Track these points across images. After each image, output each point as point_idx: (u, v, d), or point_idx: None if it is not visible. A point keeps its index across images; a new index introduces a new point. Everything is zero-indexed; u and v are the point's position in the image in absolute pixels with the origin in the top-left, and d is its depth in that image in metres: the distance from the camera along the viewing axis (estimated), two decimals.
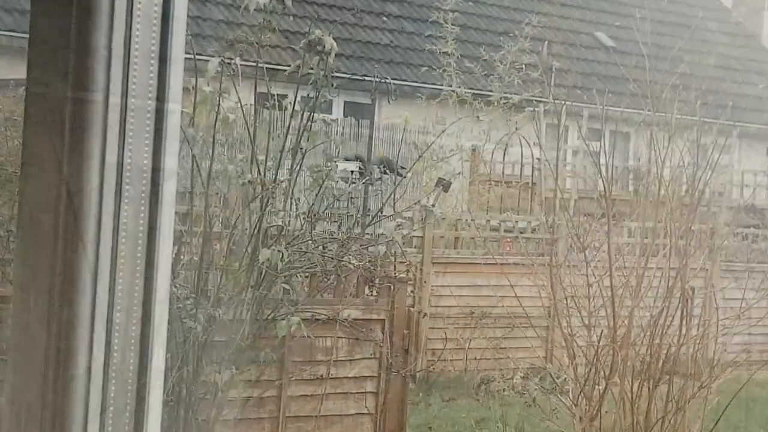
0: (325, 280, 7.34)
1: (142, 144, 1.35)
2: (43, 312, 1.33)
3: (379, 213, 7.73)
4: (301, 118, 6.89)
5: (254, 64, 7.05)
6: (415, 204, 8.82)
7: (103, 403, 1.33)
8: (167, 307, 1.41)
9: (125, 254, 1.35)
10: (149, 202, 1.36)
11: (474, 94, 17.25)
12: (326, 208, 7.40)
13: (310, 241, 7.10)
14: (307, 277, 7.58)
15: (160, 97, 1.36)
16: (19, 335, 1.35)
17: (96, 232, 1.33)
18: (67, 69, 1.31)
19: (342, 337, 7.63)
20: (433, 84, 18.64)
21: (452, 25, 18.12)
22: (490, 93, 17.43)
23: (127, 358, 1.35)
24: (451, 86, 17.49)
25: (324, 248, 7.26)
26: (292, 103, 6.95)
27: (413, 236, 11.14)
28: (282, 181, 6.97)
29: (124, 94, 1.33)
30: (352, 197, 9.02)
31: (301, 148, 6.88)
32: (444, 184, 12.27)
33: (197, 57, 6.46)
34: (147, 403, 1.37)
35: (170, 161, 1.38)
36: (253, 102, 7.37)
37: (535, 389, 10.01)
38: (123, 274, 1.35)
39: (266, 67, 7.02)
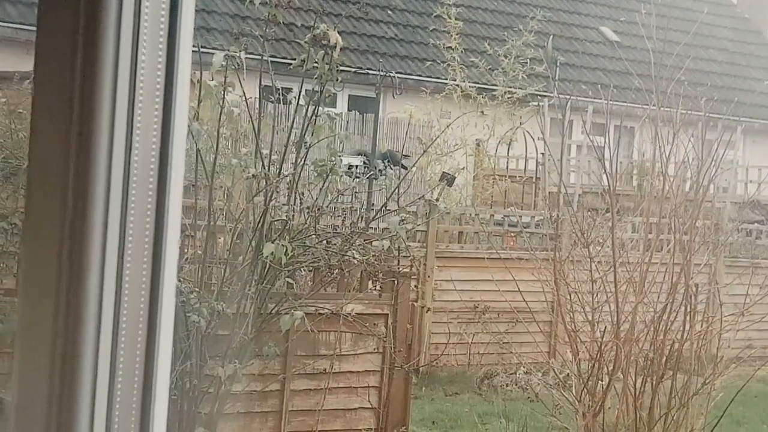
0: (329, 274, 7.34)
1: (150, 137, 1.35)
2: (49, 305, 1.32)
3: (383, 207, 7.72)
4: (306, 112, 6.88)
5: (259, 57, 7.05)
6: (419, 198, 8.82)
7: (109, 396, 1.33)
8: (173, 301, 1.41)
9: (132, 248, 1.34)
10: (156, 196, 1.36)
11: (478, 88, 17.24)
12: (330, 203, 7.40)
13: (314, 236, 7.10)
14: (310, 271, 7.58)
15: (168, 91, 1.36)
16: (26, 329, 1.35)
17: (103, 226, 1.32)
18: (75, 62, 1.31)
19: (345, 332, 7.64)
20: (438, 78, 18.62)
21: (456, 19, 18.10)
22: (495, 87, 17.42)
23: (134, 352, 1.35)
24: (455, 80, 17.48)
25: (328, 243, 7.26)
26: (297, 97, 6.94)
27: (417, 231, 11.13)
28: (286, 175, 6.97)
29: (132, 87, 1.33)
30: (356, 192, 9.01)
31: (306, 142, 6.88)
32: (448, 179, 12.25)
33: (202, 50, 6.46)
34: (153, 396, 1.37)
35: (177, 155, 1.38)
36: (257, 96, 7.36)
37: (538, 384, 10.01)
38: (130, 268, 1.34)
39: (271, 61, 7.01)
